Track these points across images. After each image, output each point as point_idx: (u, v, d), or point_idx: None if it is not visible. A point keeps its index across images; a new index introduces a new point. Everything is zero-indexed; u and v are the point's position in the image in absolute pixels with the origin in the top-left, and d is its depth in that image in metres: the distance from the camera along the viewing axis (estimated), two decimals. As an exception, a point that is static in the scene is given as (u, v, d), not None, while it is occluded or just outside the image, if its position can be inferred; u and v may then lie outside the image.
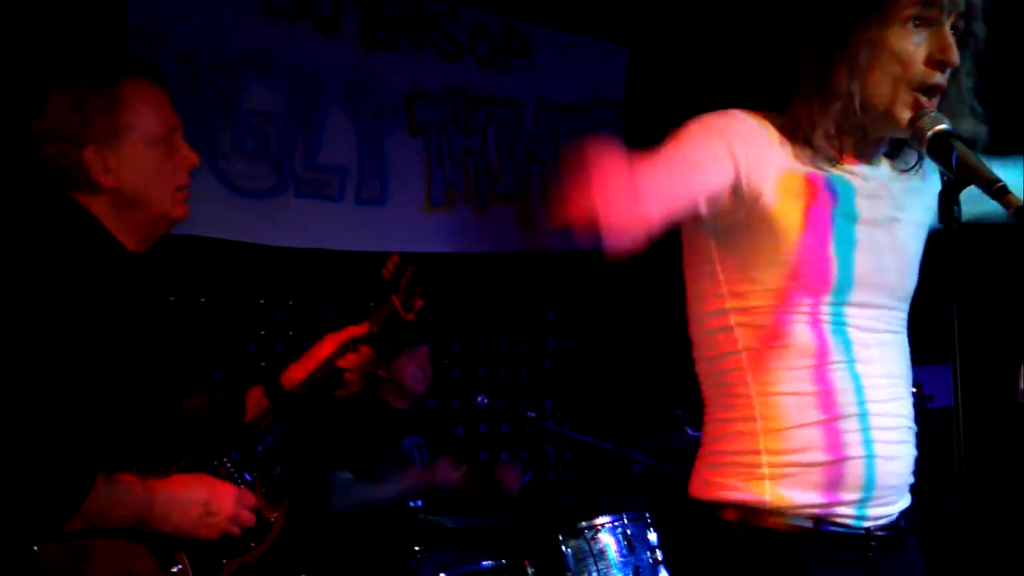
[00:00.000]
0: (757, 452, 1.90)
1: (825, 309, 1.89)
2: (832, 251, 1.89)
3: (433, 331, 4.89)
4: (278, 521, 2.38)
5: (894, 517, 1.95)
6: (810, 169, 1.90)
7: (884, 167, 2.02)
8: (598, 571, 3.93)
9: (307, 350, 2.57)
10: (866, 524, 1.90)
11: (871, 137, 1.96)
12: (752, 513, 1.89)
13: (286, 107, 4.82)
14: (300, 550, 3.88)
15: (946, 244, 1.77)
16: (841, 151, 1.94)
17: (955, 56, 1.87)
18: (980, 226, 1.95)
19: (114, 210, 2.30)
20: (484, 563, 4.01)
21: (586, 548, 3.97)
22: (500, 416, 5.57)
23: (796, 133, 1.91)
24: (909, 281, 2.01)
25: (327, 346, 2.55)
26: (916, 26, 1.87)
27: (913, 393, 5.39)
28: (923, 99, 1.87)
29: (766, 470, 1.89)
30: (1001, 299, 4.59)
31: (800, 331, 1.88)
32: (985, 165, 1.79)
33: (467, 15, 5.46)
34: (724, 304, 1.93)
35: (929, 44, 1.87)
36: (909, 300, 2.02)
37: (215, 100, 4.60)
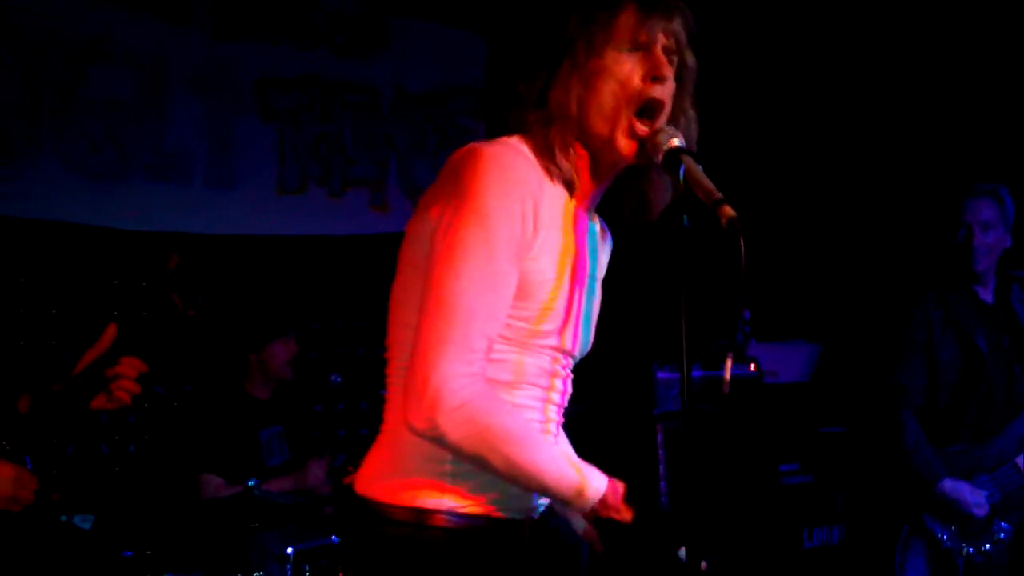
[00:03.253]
0: (444, 457, 1.96)
1: (535, 342, 2.01)
2: (580, 316, 2.08)
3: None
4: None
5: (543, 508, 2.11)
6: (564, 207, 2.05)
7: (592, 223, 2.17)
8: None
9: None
10: (521, 515, 2.05)
11: (599, 177, 2.11)
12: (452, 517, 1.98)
13: (131, 95, 4.82)
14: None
15: (676, 252, 1.95)
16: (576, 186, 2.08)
17: (667, 70, 2.02)
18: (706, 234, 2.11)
19: None
20: (335, 538, 4.10)
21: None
22: (358, 394, 5.65)
23: (545, 154, 2.04)
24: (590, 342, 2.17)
25: (88, 356, 2.68)
26: (629, 52, 2.02)
27: (751, 369, 5.53)
28: (639, 125, 2.02)
29: (448, 478, 1.98)
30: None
31: (506, 352, 1.99)
32: (708, 180, 1.96)
33: (323, 4, 5.50)
34: None
35: (643, 64, 2.02)
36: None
37: (58, 93, 4.60)
